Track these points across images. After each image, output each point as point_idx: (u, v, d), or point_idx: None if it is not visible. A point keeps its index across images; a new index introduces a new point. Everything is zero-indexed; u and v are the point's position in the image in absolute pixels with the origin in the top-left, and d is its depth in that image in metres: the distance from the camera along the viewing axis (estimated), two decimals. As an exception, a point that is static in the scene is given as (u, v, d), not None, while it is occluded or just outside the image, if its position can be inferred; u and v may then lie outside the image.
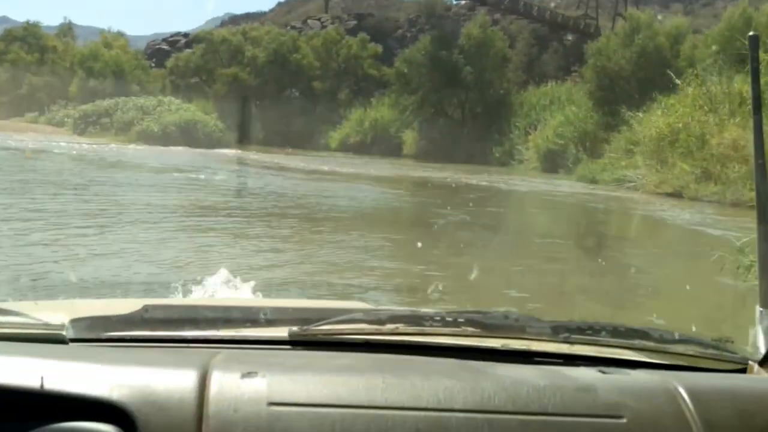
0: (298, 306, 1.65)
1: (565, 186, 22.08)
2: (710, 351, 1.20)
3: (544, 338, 1.15)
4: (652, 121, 21.99)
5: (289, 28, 54.25)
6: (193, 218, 10.43)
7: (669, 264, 9.03)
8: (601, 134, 27.10)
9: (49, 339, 1.07)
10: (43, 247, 6.87)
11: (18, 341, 1.04)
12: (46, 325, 1.11)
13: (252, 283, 4.85)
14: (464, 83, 38.03)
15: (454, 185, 20.98)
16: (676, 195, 18.54)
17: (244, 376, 0.91)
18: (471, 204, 15.37)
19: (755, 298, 1.23)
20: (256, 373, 0.92)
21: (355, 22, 56.87)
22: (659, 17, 35.15)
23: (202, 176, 17.50)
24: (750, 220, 1.34)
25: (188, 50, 49.90)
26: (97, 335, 1.10)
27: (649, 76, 27.01)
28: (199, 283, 4.81)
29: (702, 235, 11.93)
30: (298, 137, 39.53)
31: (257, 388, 0.89)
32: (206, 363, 0.93)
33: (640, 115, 23.75)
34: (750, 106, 1.37)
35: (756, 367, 1.18)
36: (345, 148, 38.99)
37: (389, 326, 1.12)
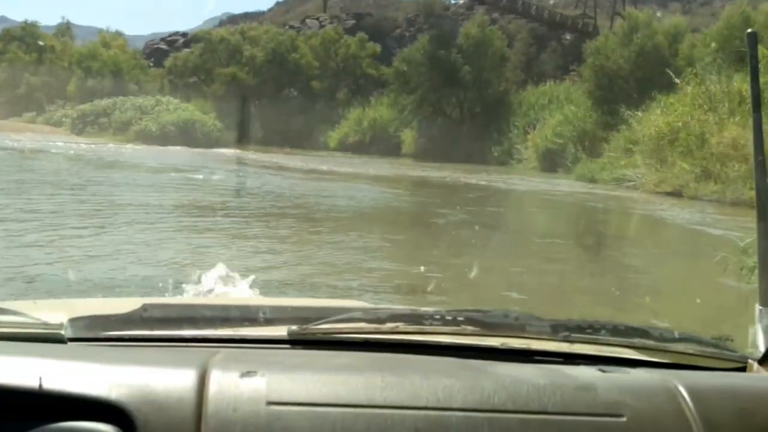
0: (297, 305, 1.65)
1: (564, 185, 22.08)
2: (710, 350, 1.20)
3: (543, 337, 1.14)
4: (652, 120, 22.00)
5: (287, 27, 54.21)
6: (190, 218, 10.42)
7: (670, 265, 8.99)
8: (600, 133, 27.09)
9: (47, 338, 1.07)
10: (38, 248, 6.82)
11: (16, 341, 1.04)
12: (45, 325, 1.10)
13: (251, 278, 4.84)
14: (463, 82, 38.03)
15: (452, 185, 20.99)
16: (676, 194, 18.55)
17: (243, 375, 0.91)
18: (470, 203, 15.38)
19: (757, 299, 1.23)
20: (255, 372, 0.91)
21: (353, 21, 56.86)
22: (658, 14, 35.19)
23: (200, 176, 17.48)
24: (750, 220, 1.33)
25: (186, 50, 49.83)
26: (95, 334, 1.10)
27: (648, 75, 27.02)
28: (198, 280, 4.80)
29: (702, 234, 11.92)
30: (297, 137, 39.52)
31: (256, 387, 0.89)
32: (205, 362, 0.93)
33: (639, 114, 23.76)
34: (749, 105, 1.37)
35: (756, 365, 1.18)
36: (344, 147, 38.97)
37: (389, 325, 1.12)
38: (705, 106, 20.43)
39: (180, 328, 1.12)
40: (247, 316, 1.18)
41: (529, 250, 9.22)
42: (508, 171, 28.27)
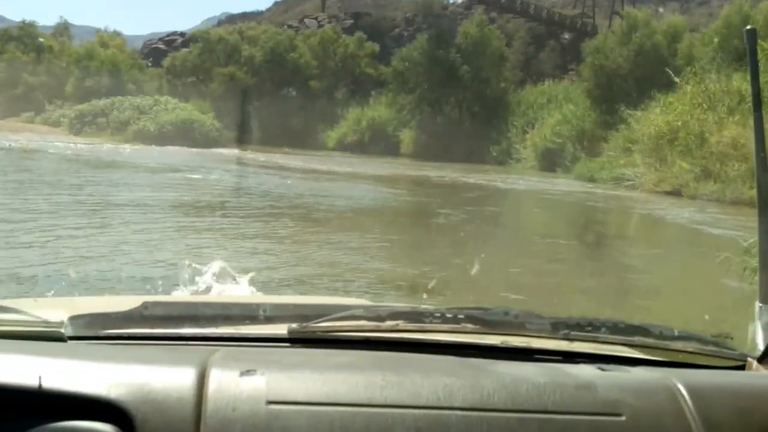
0: (297, 303, 1.64)
1: (563, 185, 22.08)
2: (709, 348, 1.20)
3: (543, 335, 1.14)
4: (651, 119, 22.00)
5: (285, 27, 54.17)
6: (188, 219, 10.40)
7: (671, 265, 8.94)
8: (599, 133, 27.09)
9: (47, 337, 1.07)
10: (36, 248, 6.80)
11: (16, 339, 1.04)
12: (45, 323, 1.10)
13: (250, 275, 4.83)
14: (461, 82, 38.05)
15: (451, 184, 20.98)
16: (675, 193, 18.55)
17: (242, 374, 0.90)
18: (469, 203, 15.38)
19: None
20: (254, 371, 0.91)
21: (351, 21, 56.88)
22: (660, 10, 35.19)
23: (199, 176, 17.47)
24: (750, 219, 1.33)
25: (185, 49, 49.77)
26: (95, 333, 1.10)
27: (647, 75, 27.03)
28: (198, 277, 4.78)
29: (703, 234, 11.91)
30: (296, 136, 39.51)
31: (256, 386, 0.89)
32: (205, 361, 0.93)
33: (639, 113, 23.77)
34: (749, 104, 1.37)
35: (755, 363, 1.18)
36: (342, 147, 38.97)
37: (389, 323, 1.12)
38: (704, 105, 20.44)
39: (180, 326, 1.12)
40: (247, 314, 1.17)
41: (529, 250, 9.21)
42: (506, 170, 28.28)
